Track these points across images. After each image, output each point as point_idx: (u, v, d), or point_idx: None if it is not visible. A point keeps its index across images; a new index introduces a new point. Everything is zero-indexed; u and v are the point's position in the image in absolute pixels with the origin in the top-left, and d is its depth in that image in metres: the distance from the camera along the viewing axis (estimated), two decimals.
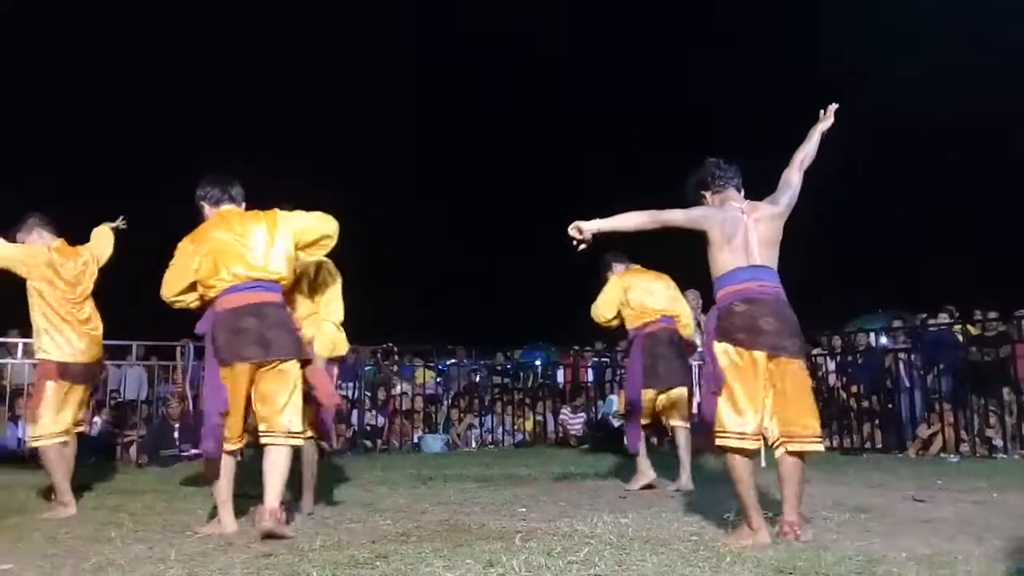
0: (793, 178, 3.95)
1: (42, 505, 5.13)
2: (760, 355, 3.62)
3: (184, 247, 4.07)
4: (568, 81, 20.95)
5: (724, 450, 3.65)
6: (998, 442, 8.31)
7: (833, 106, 4.11)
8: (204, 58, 18.32)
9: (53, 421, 4.98)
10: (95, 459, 8.09)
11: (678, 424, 5.98)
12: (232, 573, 3.10)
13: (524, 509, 4.77)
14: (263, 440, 3.94)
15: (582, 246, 3.81)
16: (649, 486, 5.74)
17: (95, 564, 3.27)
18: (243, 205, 4.22)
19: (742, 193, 3.97)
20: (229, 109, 18.61)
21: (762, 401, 3.64)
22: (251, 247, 3.96)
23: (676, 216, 3.87)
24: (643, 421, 5.95)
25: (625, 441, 6.26)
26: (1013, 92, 14.73)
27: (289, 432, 3.93)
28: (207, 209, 4.19)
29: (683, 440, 5.91)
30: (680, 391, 5.99)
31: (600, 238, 3.81)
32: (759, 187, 4.02)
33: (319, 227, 4.13)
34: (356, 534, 3.92)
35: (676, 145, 14.15)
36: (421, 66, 20.98)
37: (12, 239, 5.15)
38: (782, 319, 3.65)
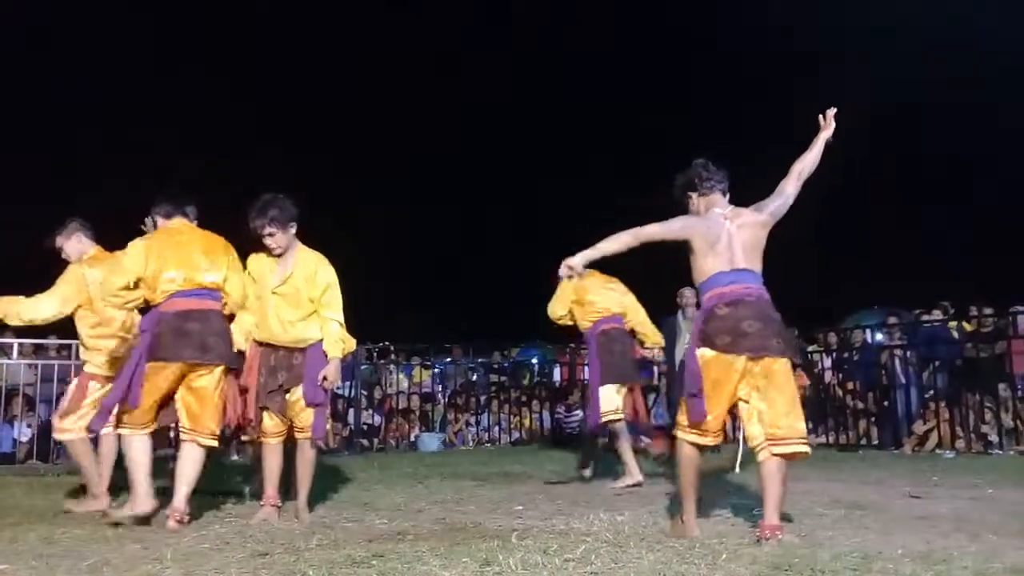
0: (788, 188, 3.94)
1: (40, 504, 5.11)
2: (740, 359, 3.64)
3: (135, 245, 4.38)
4: (568, 81, 20.96)
5: (683, 443, 3.79)
6: (994, 438, 8.33)
7: (832, 111, 4.08)
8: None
9: (81, 417, 5.06)
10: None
11: (615, 418, 6.23)
12: (228, 572, 3.10)
13: (520, 507, 4.78)
14: (184, 437, 4.34)
15: (574, 279, 4.14)
16: (637, 484, 5.84)
17: (91, 564, 3.26)
18: (195, 222, 4.68)
19: (727, 197, 4.00)
20: (219, 107, 18.57)
21: (728, 404, 3.72)
22: (199, 258, 4.37)
23: (655, 231, 3.92)
24: (615, 417, 6.16)
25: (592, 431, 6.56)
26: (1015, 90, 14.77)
27: (212, 433, 4.33)
28: (160, 221, 4.62)
29: (623, 433, 6.20)
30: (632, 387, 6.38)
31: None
32: (756, 189, 4.03)
33: (242, 291, 4.53)
34: (353, 533, 3.92)
35: (674, 145, 14.14)
36: (420, 64, 20.98)
37: (53, 241, 5.21)
38: (765, 320, 3.68)
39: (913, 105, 16.19)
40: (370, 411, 10.75)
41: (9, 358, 9.02)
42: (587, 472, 6.40)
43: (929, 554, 3.18)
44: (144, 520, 4.20)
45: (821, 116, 4.09)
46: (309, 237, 4.63)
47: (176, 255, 4.31)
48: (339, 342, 4.47)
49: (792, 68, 17.60)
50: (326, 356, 4.44)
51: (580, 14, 20.42)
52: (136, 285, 4.30)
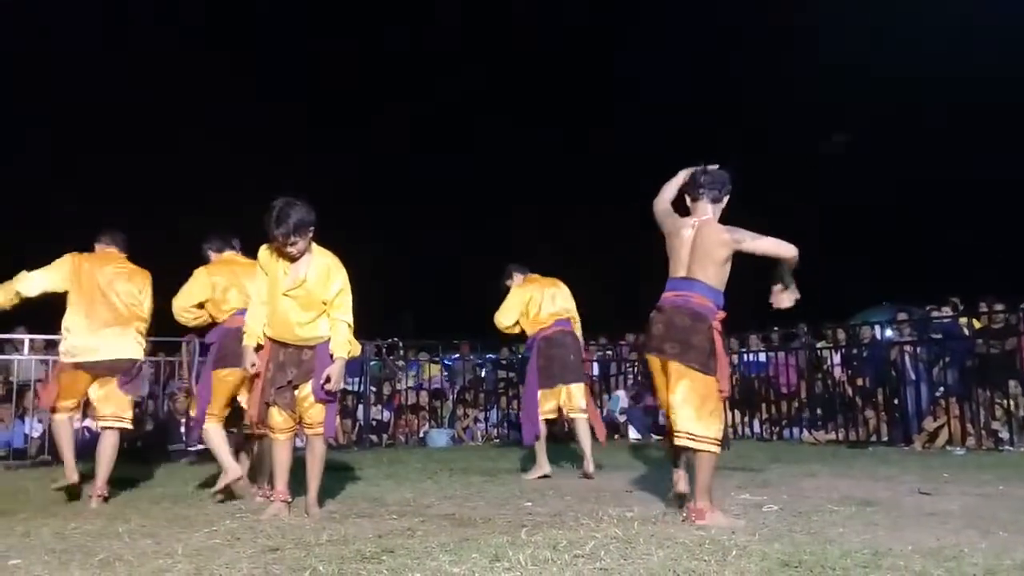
0: (759, 248, 4.12)
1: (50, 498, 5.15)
2: (655, 359, 4.13)
3: (200, 273, 5.35)
4: (575, 78, 20.90)
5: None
6: (1004, 435, 8.30)
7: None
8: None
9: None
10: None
11: (577, 416, 6.48)
12: (239, 567, 3.11)
13: (530, 503, 4.78)
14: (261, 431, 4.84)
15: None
16: (545, 476, 6.21)
17: (103, 559, 3.28)
18: (240, 251, 5.55)
19: (718, 206, 4.22)
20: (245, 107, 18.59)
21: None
22: (249, 282, 4.96)
23: (660, 207, 4.40)
24: (549, 416, 6.51)
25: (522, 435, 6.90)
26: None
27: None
28: (213, 255, 5.53)
29: (582, 430, 6.43)
30: (577, 386, 6.52)
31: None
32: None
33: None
34: (362, 528, 3.93)
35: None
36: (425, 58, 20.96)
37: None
38: (670, 325, 4.05)
39: (915, 104, 16.15)
40: (379, 407, 10.78)
41: (20, 354, 9.08)
42: (542, 471, 6.30)
43: (939, 550, 3.17)
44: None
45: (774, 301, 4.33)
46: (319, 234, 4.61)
47: (234, 280, 5.27)
48: (346, 344, 4.46)
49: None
50: (332, 357, 4.43)
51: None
52: (201, 306, 5.32)
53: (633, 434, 11.06)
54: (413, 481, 6.03)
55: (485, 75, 20.64)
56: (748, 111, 18.76)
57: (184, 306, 5.33)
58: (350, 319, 4.49)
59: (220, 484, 5.05)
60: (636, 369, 12.41)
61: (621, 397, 11.68)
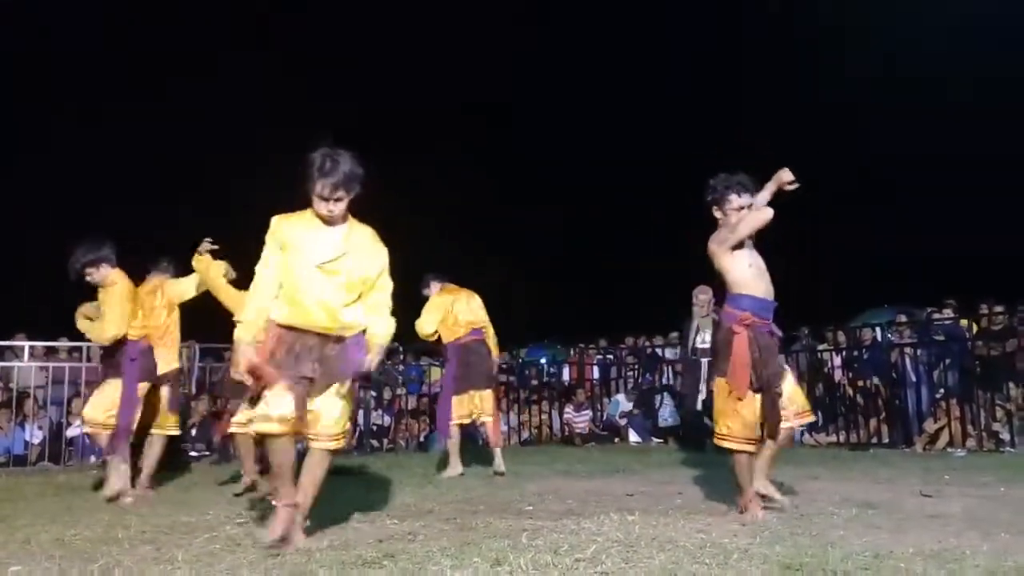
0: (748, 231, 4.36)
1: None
2: None
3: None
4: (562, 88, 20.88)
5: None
6: (1005, 436, 8.29)
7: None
8: None
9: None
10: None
11: (487, 419, 7.00)
12: (239, 573, 3.11)
13: (530, 508, 4.77)
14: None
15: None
16: (461, 475, 6.68)
17: (103, 566, 3.27)
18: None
19: (718, 213, 4.46)
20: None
21: None
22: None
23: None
24: (464, 421, 6.98)
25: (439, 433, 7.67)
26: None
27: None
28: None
29: (491, 431, 6.97)
30: (488, 392, 7.02)
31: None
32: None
33: None
34: (363, 533, 3.93)
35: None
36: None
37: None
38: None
39: (915, 104, 16.15)
40: (379, 411, 10.76)
41: (20, 360, 9.07)
42: (455, 472, 6.78)
43: (941, 553, 3.17)
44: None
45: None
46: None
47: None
48: (390, 334, 3.92)
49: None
50: (364, 347, 3.79)
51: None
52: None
53: (633, 437, 11.06)
54: (414, 486, 6.02)
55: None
56: (748, 121, 18.77)
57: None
58: (390, 303, 3.91)
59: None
60: (636, 373, 12.41)
61: (621, 401, 11.67)
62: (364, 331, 3.83)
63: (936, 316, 9.84)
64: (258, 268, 3.79)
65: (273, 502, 3.96)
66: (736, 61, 19.76)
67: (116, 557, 3.42)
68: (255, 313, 3.74)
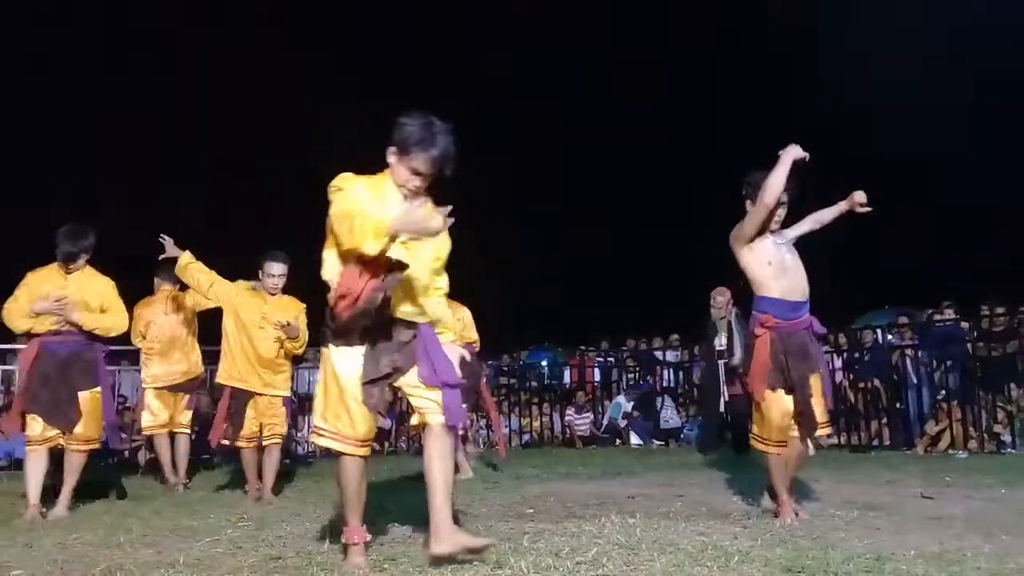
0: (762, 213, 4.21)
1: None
2: None
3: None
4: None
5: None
6: (1006, 438, 8.28)
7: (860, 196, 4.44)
8: None
9: None
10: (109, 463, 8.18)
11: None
12: None
13: (532, 510, 4.77)
14: None
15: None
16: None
17: (104, 569, 3.28)
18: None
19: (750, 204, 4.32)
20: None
21: None
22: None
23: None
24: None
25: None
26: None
27: None
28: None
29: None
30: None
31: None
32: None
33: None
34: None
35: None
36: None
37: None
38: None
39: (914, 103, 16.12)
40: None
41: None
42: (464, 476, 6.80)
43: (942, 555, 3.16)
44: None
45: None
46: None
47: None
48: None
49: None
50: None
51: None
52: None
53: (635, 440, 11.05)
54: (414, 488, 6.01)
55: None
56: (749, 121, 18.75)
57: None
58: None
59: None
60: (636, 376, 12.41)
61: (622, 402, 11.67)
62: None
63: (937, 318, 9.83)
64: (350, 201, 3.13)
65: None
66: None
67: (118, 561, 3.42)
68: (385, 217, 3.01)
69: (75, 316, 5.12)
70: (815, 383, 4.22)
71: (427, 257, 3.32)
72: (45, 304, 5.09)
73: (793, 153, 4.16)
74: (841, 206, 4.46)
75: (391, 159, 3.27)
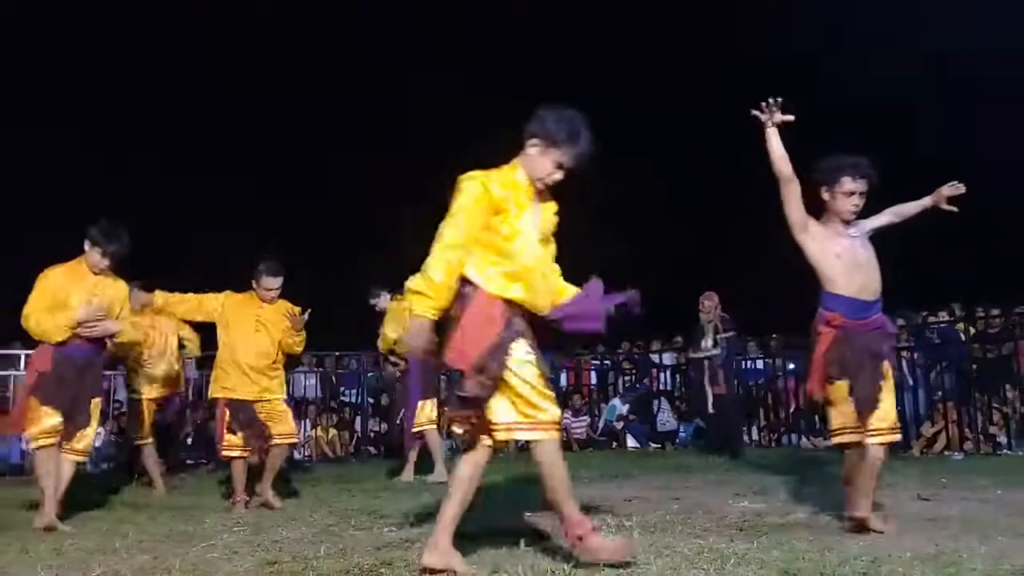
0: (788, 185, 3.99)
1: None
2: None
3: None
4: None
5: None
6: (1002, 439, 8.31)
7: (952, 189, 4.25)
8: None
9: None
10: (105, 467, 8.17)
11: (429, 428, 7.20)
12: None
13: (528, 513, 4.77)
14: None
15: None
16: (443, 483, 6.20)
17: (100, 574, 3.28)
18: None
19: (827, 196, 4.06)
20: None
21: None
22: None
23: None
24: (426, 428, 7.16)
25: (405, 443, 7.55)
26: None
27: None
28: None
29: (435, 440, 7.21)
30: (433, 400, 7.18)
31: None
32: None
33: None
34: (361, 541, 3.92)
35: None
36: None
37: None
38: None
39: (911, 104, 16.15)
40: (377, 418, 10.75)
41: (17, 369, 9.06)
42: (407, 478, 7.09)
43: (938, 556, 3.17)
44: None
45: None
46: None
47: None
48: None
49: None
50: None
51: None
52: None
53: (631, 443, 11.06)
54: (411, 493, 6.02)
55: None
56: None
57: None
58: None
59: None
60: (633, 378, 12.41)
61: (618, 406, 11.67)
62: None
63: (932, 319, 9.85)
64: (453, 227, 3.10)
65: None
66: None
67: (113, 567, 3.42)
68: (447, 273, 3.06)
69: (114, 327, 4.97)
70: (885, 391, 3.97)
71: (549, 247, 3.34)
72: (83, 312, 4.84)
73: (766, 119, 3.96)
74: (925, 201, 4.19)
75: (532, 151, 3.21)
